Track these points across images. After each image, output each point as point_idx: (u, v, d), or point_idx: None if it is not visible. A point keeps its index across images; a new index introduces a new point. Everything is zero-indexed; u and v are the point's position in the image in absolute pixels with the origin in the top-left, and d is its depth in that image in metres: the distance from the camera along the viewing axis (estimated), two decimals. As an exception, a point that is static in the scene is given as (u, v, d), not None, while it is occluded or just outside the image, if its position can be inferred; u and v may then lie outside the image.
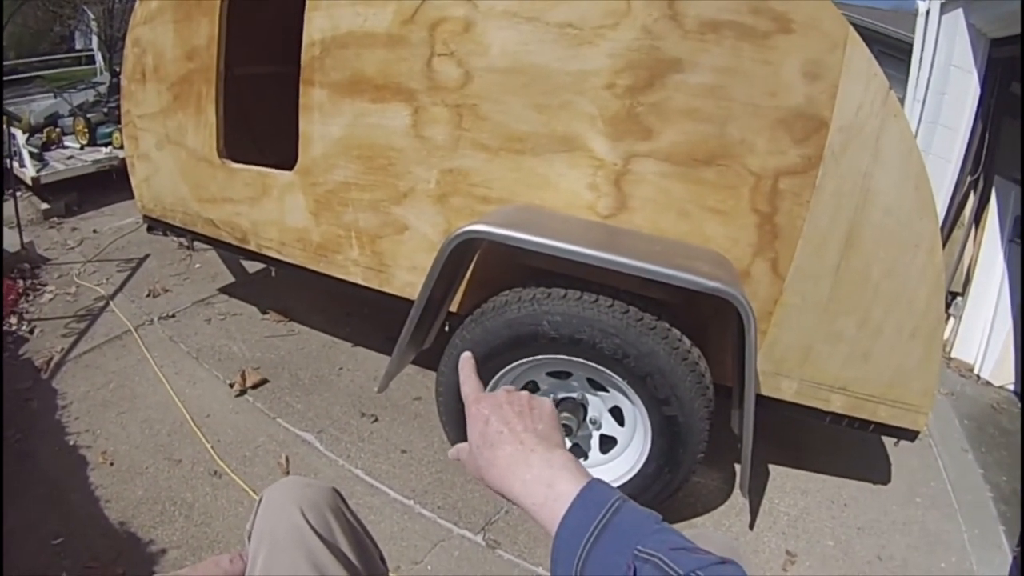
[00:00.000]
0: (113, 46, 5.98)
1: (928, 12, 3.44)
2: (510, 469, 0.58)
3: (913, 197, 1.54)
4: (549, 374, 1.69)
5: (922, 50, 3.43)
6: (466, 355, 0.71)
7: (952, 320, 3.30)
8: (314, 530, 0.81)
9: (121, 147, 3.73)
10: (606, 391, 1.68)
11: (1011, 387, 3.11)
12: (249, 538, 0.83)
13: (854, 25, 1.50)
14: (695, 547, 0.49)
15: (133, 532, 1.61)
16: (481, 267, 1.80)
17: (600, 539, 0.51)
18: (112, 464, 1.83)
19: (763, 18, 1.45)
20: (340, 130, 1.83)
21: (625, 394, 1.60)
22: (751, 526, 1.92)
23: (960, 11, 3.25)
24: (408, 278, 1.85)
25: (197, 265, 3.15)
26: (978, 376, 3.17)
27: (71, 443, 1.89)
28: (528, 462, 0.58)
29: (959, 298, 3.32)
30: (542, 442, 0.60)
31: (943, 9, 3.41)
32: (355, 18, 1.74)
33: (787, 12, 1.44)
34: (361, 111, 1.78)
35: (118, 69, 2.41)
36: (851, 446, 2.40)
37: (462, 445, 0.67)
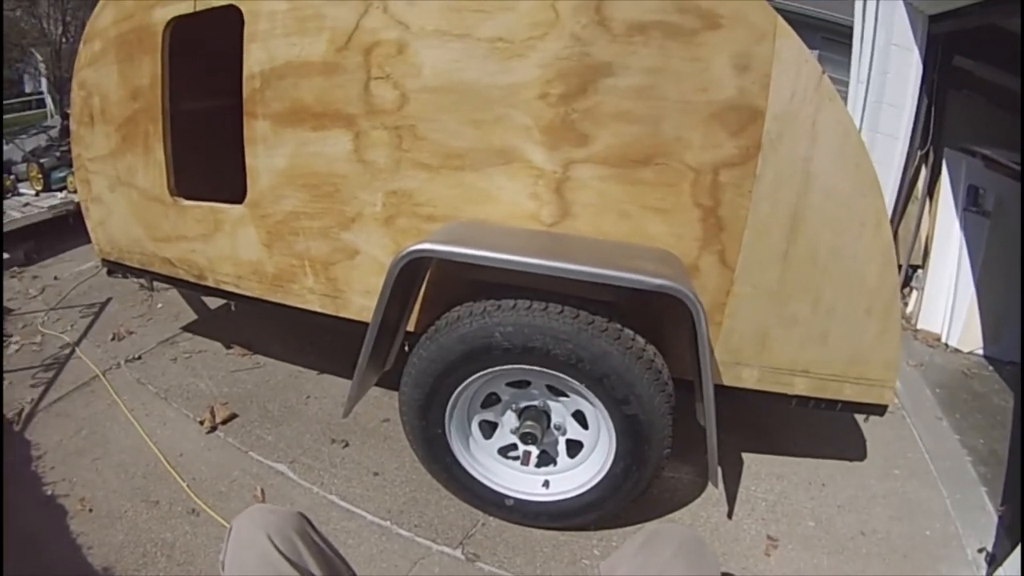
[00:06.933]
0: (62, 88, 5.83)
1: (866, -6, 3.51)
2: None
3: (854, 177, 1.56)
4: (509, 384, 1.70)
5: (862, 32, 3.49)
6: None
7: (915, 292, 3.35)
8: (282, 554, 0.84)
9: (75, 191, 3.69)
10: (567, 396, 1.69)
11: (980, 351, 3.17)
12: (223, 568, 0.86)
13: (795, 14, 1.52)
14: None
15: (117, 577, 1.60)
16: (433, 285, 1.80)
17: None
18: (91, 511, 1.81)
19: (689, 16, 1.47)
20: (284, 160, 1.83)
21: (585, 397, 1.61)
22: (729, 515, 1.93)
23: (897, -9, 3.32)
24: (363, 302, 1.85)
25: (159, 305, 3.13)
26: (946, 344, 3.22)
27: (48, 493, 1.87)
28: None
29: (919, 271, 3.37)
30: None
31: (880, -10, 3.47)
32: (291, 48, 1.75)
33: (713, 8, 1.46)
34: (303, 140, 1.79)
35: (68, 111, 2.43)
36: (824, 426, 2.42)
37: None
